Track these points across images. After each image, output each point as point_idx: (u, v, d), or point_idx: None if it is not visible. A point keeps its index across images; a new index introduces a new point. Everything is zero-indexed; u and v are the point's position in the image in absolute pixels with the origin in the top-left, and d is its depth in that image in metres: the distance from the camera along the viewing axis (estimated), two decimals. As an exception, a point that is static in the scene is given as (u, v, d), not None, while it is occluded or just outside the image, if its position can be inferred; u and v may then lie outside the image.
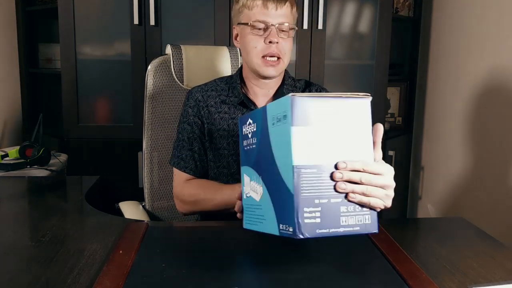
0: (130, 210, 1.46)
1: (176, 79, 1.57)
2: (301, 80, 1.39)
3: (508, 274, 0.90)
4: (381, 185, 0.79)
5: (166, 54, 1.59)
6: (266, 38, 1.20)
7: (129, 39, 2.33)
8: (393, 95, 2.88)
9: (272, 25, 1.20)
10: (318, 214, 0.75)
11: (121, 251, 0.93)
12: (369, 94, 0.79)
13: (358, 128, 0.79)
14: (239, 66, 1.32)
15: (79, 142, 2.37)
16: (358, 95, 0.79)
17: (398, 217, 2.74)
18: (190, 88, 1.39)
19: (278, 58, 1.22)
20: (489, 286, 0.82)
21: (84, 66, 2.35)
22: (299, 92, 1.30)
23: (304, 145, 0.75)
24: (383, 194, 0.80)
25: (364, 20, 2.50)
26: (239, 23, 1.26)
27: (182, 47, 1.59)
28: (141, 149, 2.38)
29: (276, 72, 1.24)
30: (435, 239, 1.06)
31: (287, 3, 1.21)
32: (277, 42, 1.20)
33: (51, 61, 2.64)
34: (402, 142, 2.80)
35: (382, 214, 2.53)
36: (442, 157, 2.46)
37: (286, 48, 1.23)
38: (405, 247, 0.97)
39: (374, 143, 0.81)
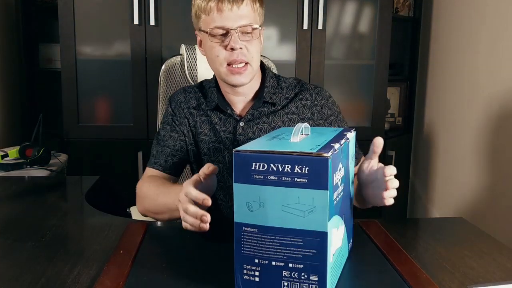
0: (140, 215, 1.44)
1: (189, 79, 1.55)
2: (289, 79, 1.26)
3: (508, 274, 0.90)
4: None
5: (181, 54, 1.57)
6: (228, 45, 1.09)
7: (129, 39, 2.33)
8: (393, 95, 2.88)
9: (232, 29, 1.08)
10: (257, 273, 0.76)
11: (121, 251, 0.93)
12: (329, 156, 0.70)
13: (309, 191, 0.71)
14: None
15: (79, 142, 2.37)
16: (311, 153, 0.71)
17: (398, 217, 2.74)
18: None
19: (246, 63, 1.12)
20: (489, 286, 0.82)
21: (84, 66, 2.35)
22: (286, 93, 1.23)
23: (245, 203, 0.75)
24: None
25: (364, 20, 2.50)
26: (199, 29, 1.15)
27: (197, 46, 1.57)
28: (141, 149, 2.39)
29: (245, 79, 1.13)
30: (435, 239, 1.07)
31: (246, 1, 1.09)
32: (240, 48, 1.09)
33: (51, 61, 2.63)
34: (402, 142, 2.80)
35: (382, 214, 2.53)
36: (442, 157, 2.46)
37: (252, 51, 1.11)
38: (405, 247, 0.97)
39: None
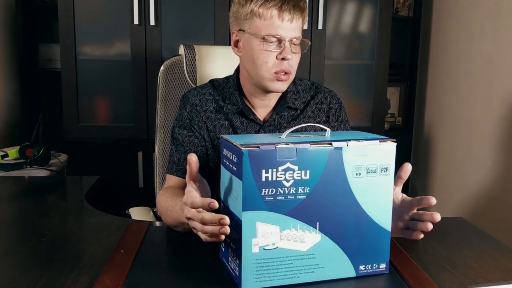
0: (141, 216, 1.43)
1: (189, 80, 1.54)
2: (303, 81, 1.27)
3: (508, 274, 0.90)
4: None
5: (179, 55, 1.56)
6: (279, 54, 1.09)
7: (129, 39, 2.33)
8: (393, 95, 2.88)
9: (286, 40, 1.08)
10: (223, 244, 0.88)
11: (122, 251, 0.93)
12: (242, 149, 0.75)
13: (236, 179, 0.79)
14: (236, 68, 1.24)
15: (79, 142, 2.37)
16: (235, 145, 0.78)
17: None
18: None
19: (288, 73, 1.12)
20: (489, 286, 0.82)
21: (84, 66, 2.35)
22: (303, 97, 1.24)
23: (222, 182, 0.87)
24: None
25: (364, 20, 2.50)
26: (241, 30, 1.13)
27: (196, 47, 1.55)
28: (141, 149, 2.39)
29: (285, 87, 1.14)
30: (435, 239, 1.06)
31: (303, 14, 1.10)
32: (290, 59, 1.10)
33: (51, 61, 2.63)
34: (402, 142, 2.80)
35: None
36: (442, 157, 2.46)
37: (296, 62, 1.13)
38: (405, 247, 0.97)
39: None
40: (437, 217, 0.88)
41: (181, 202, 0.91)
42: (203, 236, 0.84)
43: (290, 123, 1.20)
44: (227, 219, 0.79)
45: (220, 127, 1.20)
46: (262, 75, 1.12)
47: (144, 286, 0.82)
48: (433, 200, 0.89)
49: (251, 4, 1.09)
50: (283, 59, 1.09)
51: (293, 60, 1.11)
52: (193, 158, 0.87)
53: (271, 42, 1.09)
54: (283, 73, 1.10)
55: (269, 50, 1.09)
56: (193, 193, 0.86)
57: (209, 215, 0.81)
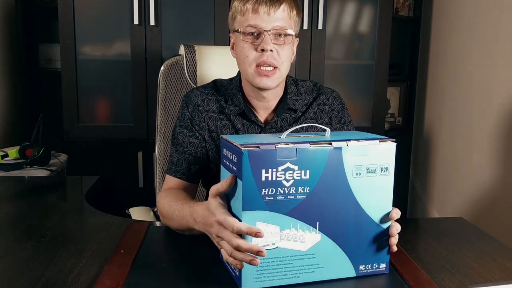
0: (141, 216, 1.43)
1: (189, 80, 1.54)
2: (306, 82, 1.26)
3: (508, 274, 0.90)
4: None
5: (180, 55, 1.56)
6: (259, 46, 1.08)
7: (129, 39, 2.33)
8: (393, 95, 2.88)
9: (265, 30, 1.07)
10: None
11: (122, 251, 0.93)
12: (242, 149, 0.75)
13: (237, 179, 0.80)
14: (239, 70, 1.23)
15: (79, 142, 2.37)
16: (235, 145, 0.78)
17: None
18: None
19: (274, 67, 1.09)
20: (489, 286, 0.82)
21: (84, 66, 2.35)
22: (305, 99, 1.23)
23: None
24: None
25: (364, 20, 2.50)
26: (233, 31, 1.15)
27: (196, 47, 1.55)
28: (141, 149, 2.39)
29: (272, 83, 1.10)
30: (435, 239, 1.07)
31: (283, 6, 1.09)
32: (271, 50, 1.07)
33: (51, 61, 2.63)
34: (402, 142, 2.80)
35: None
36: (442, 157, 2.46)
37: (283, 56, 1.10)
38: (405, 247, 0.97)
39: None
40: (395, 215, 0.86)
41: (191, 208, 0.92)
42: (225, 256, 0.81)
43: (292, 125, 1.19)
44: (265, 253, 0.77)
45: (222, 128, 1.20)
46: (246, 70, 1.12)
47: (144, 286, 0.82)
48: (395, 214, 0.86)
49: (234, 3, 1.13)
50: (262, 50, 1.08)
51: (278, 53, 1.09)
52: (228, 183, 0.82)
53: (251, 34, 1.09)
54: (265, 66, 1.09)
55: (248, 41, 1.09)
56: (227, 213, 0.82)
57: (247, 245, 0.77)
